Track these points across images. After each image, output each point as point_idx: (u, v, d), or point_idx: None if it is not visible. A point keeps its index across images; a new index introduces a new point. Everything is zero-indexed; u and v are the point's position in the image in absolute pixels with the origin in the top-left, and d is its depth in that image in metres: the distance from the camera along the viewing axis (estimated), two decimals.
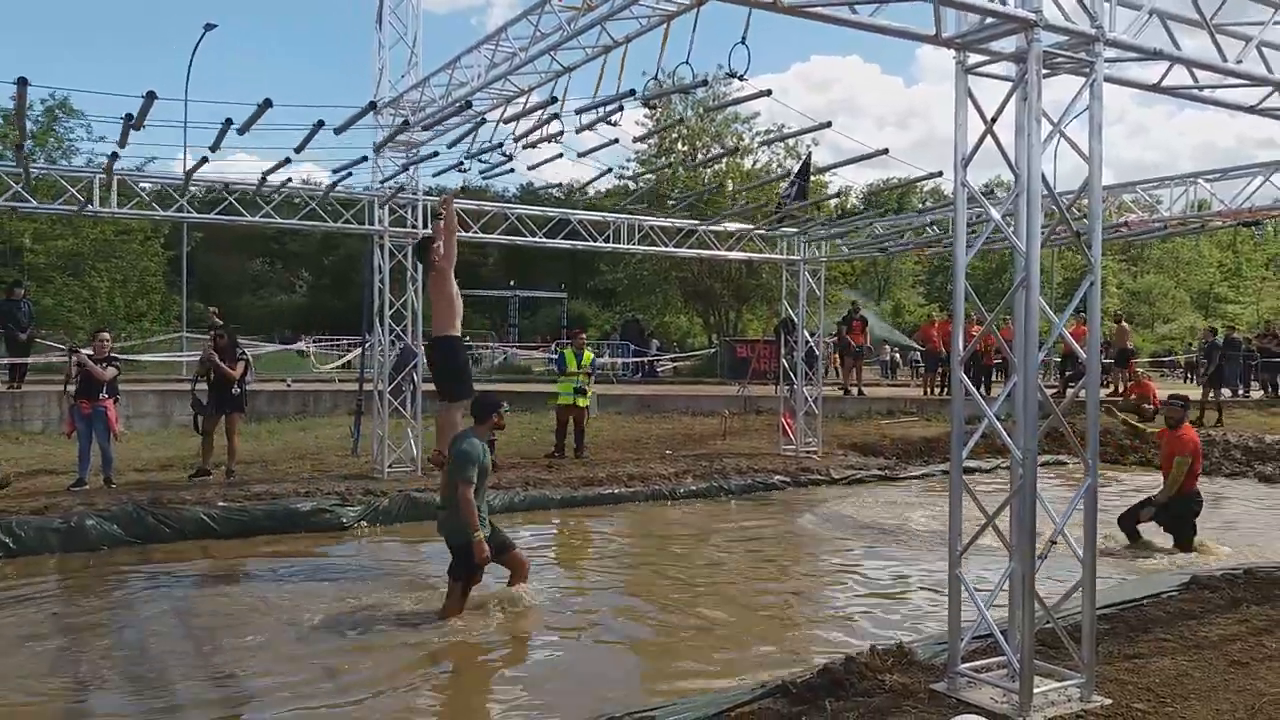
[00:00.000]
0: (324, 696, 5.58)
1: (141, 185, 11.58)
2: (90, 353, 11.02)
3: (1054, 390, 19.03)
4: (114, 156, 9.62)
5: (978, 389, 5.08)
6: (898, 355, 31.27)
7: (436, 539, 7.30)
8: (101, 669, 6.08)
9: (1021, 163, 4.74)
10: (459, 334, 8.07)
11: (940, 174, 10.76)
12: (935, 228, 13.55)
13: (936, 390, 21.35)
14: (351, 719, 5.32)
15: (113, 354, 11.45)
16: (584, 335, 15.14)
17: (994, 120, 4.84)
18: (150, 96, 7.62)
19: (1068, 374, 20.66)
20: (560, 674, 6.09)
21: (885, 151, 9.83)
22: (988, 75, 5.05)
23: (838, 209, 30.24)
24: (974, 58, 4.97)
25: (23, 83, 7.38)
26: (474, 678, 6.11)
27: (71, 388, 10.98)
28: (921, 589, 8.17)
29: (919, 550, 9.52)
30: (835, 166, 12.19)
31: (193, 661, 6.22)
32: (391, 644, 6.49)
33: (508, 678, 6.03)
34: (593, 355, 14.37)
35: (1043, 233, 4.89)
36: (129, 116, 8.15)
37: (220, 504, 10.00)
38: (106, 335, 11.54)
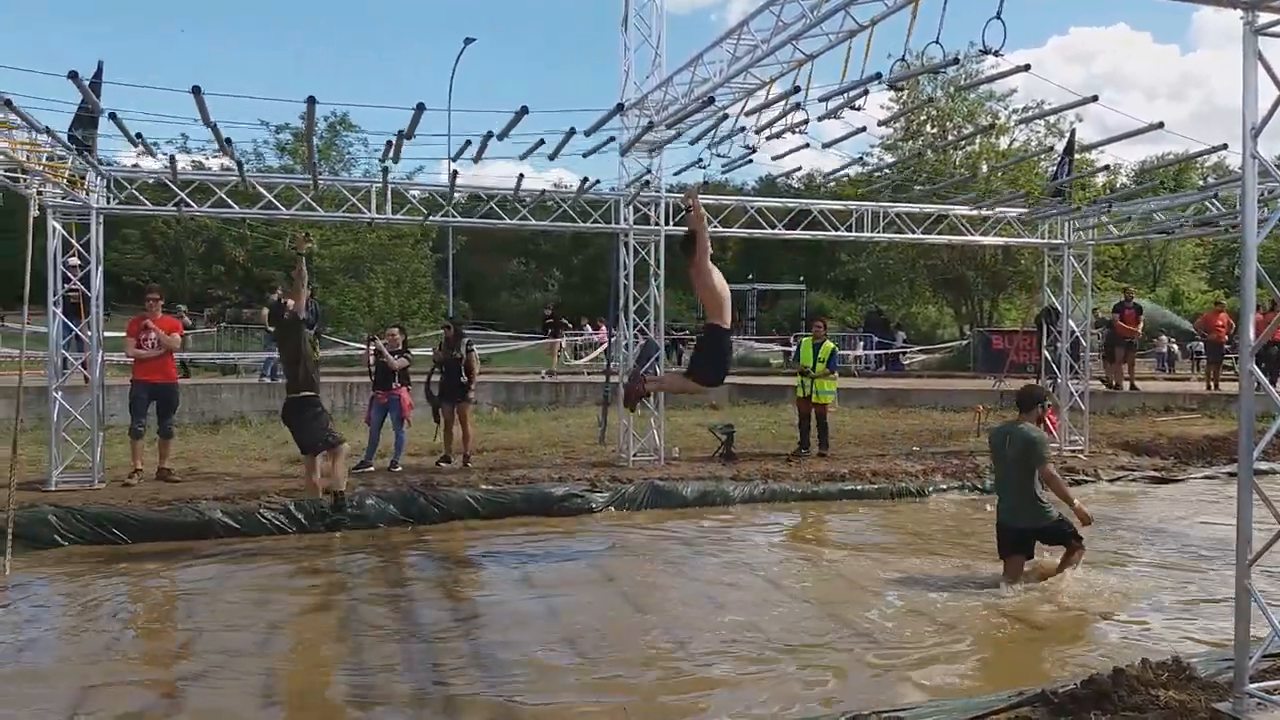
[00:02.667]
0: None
1: (411, 193, 12.55)
2: (386, 343, 12.06)
3: None
4: (390, 144, 10.24)
5: (1272, 383, 4.57)
6: (1175, 346, 28.59)
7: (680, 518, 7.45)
8: (374, 635, 6.68)
9: None
10: (727, 326, 7.84)
11: (1225, 147, 9.76)
12: (1219, 206, 12.27)
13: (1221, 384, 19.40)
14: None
15: (405, 345, 12.43)
16: (821, 325, 14.63)
17: None
18: (420, 108, 8.21)
19: None
20: (807, 667, 6.04)
21: (1160, 125, 9.02)
22: None
23: (1106, 188, 28.13)
24: (1265, 16, 4.46)
25: (311, 102, 8.18)
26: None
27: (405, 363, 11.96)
28: (1202, 600, 7.45)
29: (1199, 558, 8.70)
30: (1104, 143, 11.28)
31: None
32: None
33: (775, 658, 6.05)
34: (833, 346, 13.94)
35: None
36: (400, 133, 8.85)
37: (483, 487, 10.69)
38: (396, 329, 12.58)
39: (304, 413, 9.26)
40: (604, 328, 29.64)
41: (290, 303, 9.48)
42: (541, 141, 9.92)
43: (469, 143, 9.78)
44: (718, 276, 7.77)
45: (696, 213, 7.96)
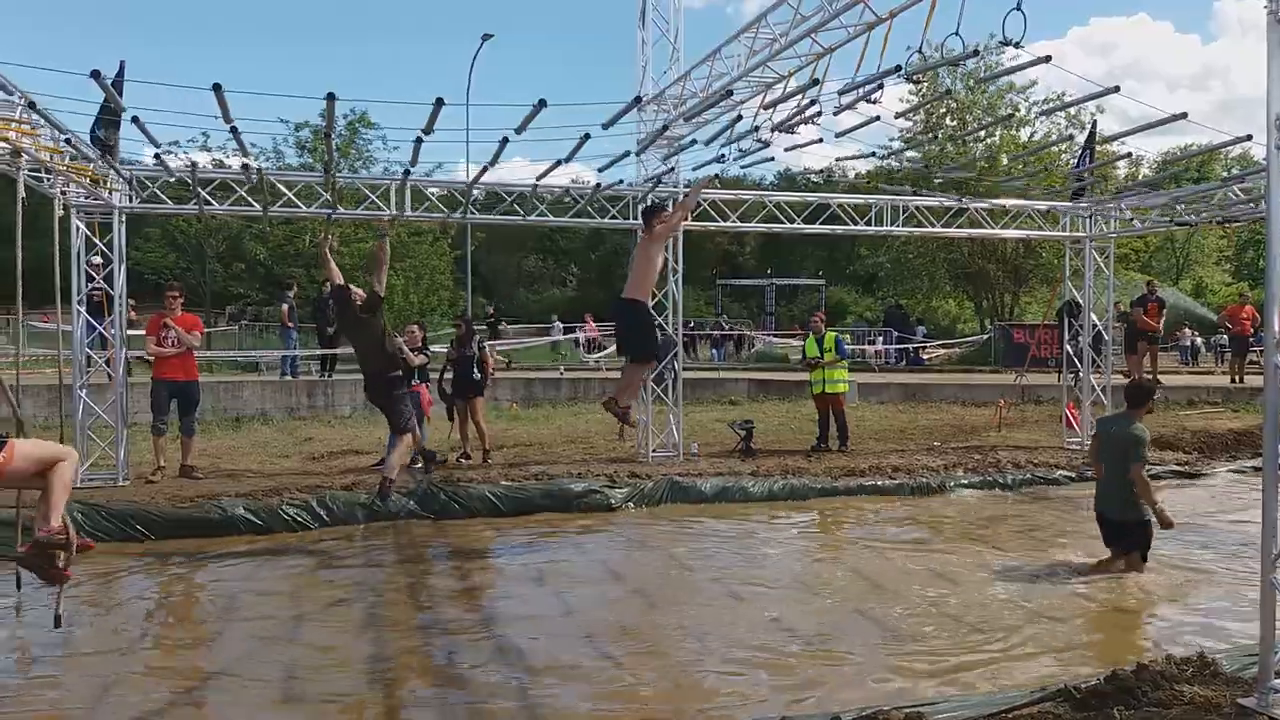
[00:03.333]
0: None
1: (430, 190, 12.58)
2: (405, 340, 12.09)
3: None
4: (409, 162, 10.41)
5: None
6: (1199, 339, 28.31)
7: (699, 514, 7.44)
8: (395, 631, 6.71)
9: None
10: (648, 301, 8.28)
11: (1249, 138, 9.64)
12: (1243, 197, 12.12)
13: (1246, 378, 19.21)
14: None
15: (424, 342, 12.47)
16: (818, 319, 14.51)
17: None
18: (439, 103, 8.21)
19: None
20: (829, 662, 6.03)
21: (1184, 116, 8.91)
22: None
23: (1128, 180, 27.92)
24: None
25: (331, 98, 8.20)
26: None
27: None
28: (1227, 596, 7.39)
29: (1224, 553, 8.62)
30: (1126, 134, 11.18)
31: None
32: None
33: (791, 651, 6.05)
34: (836, 334, 13.88)
35: None
36: (418, 139, 8.88)
37: (503, 483, 10.72)
38: (416, 326, 12.61)
39: (391, 394, 9.37)
40: (590, 322, 30.17)
41: (341, 286, 9.52)
42: (558, 162, 10.06)
43: (485, 169, 9.94)
44: (661, 260, 8.02)
45: (691, 199, 8.10)
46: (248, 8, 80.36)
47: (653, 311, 8.60)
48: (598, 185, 12.04)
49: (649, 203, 9.68)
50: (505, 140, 9.00)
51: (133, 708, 5.34)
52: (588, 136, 9.01)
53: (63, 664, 6.03)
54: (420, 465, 10.99)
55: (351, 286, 9.59)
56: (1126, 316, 20.01)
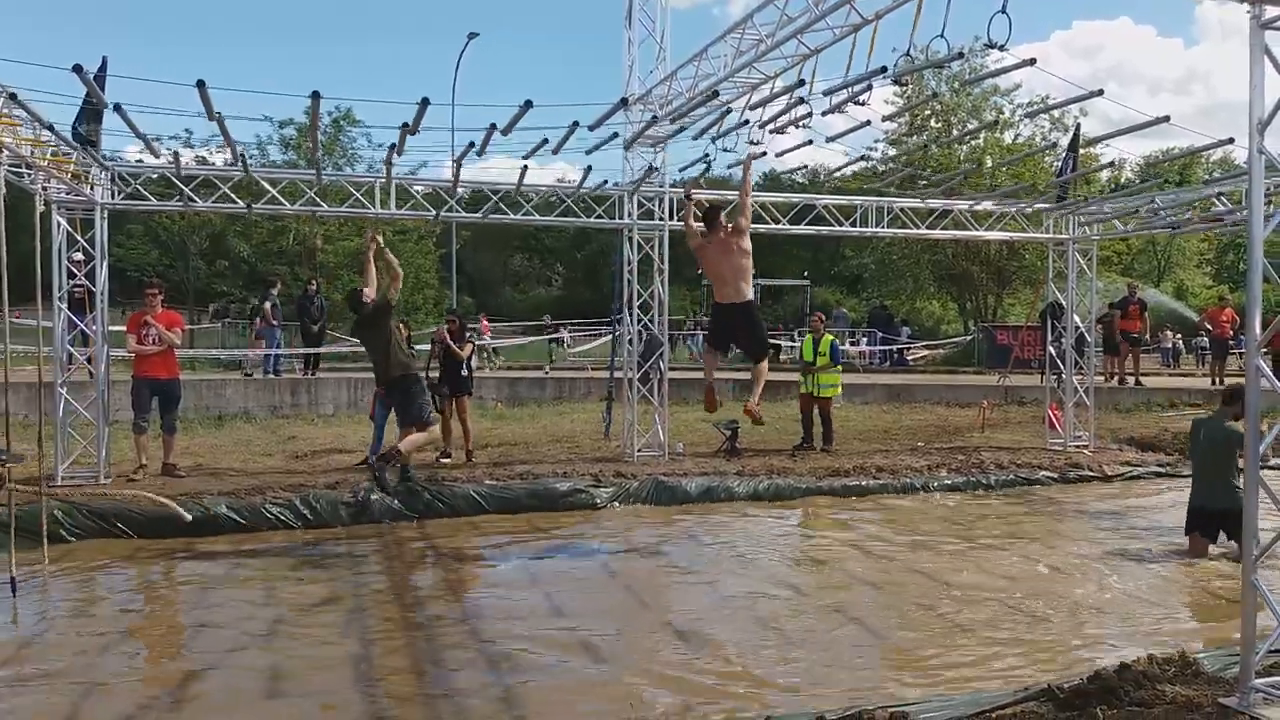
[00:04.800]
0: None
1: (415, 189, 12.54)
2: None
3: None
4: (393, 148, 10.25)
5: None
6: (1180, 341, 28.53)
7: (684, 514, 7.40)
8: (379, 631, 6.68)
9: None
10: (754, 299, 8.40)
11: (1231, 141, 9.72)
12: (1225, 200, 12.22)
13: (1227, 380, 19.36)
14: None
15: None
16: (819, 319, 14.54)
17: None
18: (424, 102, 8.19)
19: None
20: (814, 663, 6.04)
21: (1166, 119, 8.98)
22: None
23: (1110, 183, 28.12)
24: (1271, 10, 4.45)
25: (316, 96, 8.17)
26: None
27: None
28: (1206, 595, 7.45)
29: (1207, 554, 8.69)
30: (1109, 137, 11.23)
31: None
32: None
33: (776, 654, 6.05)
34: (833, 338, 13.94)
35: None
36: (405, 125, 8.82)
37: (488, 482, 10.69)
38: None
39: (408, 390, 9.50)
40: (485, 323, 30.64)
41: (368, 293, 9.58)
42: (545, 140, 9.93)
43: (473, 144, 9.81)
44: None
45: (747, 181, 8.35)
46: (248, 8, 79.99)
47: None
48: (586, 171, 11.96)
49: (706, 205, 9.23)
50: (493, 125, 8.95)
51: (114, 708, 5.29)
52: (576, 124, 8.97)
53: (42, 665, 5.96)
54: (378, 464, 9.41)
55: (366, 290, 9.64)
56: (1104, 319, 20.16)
